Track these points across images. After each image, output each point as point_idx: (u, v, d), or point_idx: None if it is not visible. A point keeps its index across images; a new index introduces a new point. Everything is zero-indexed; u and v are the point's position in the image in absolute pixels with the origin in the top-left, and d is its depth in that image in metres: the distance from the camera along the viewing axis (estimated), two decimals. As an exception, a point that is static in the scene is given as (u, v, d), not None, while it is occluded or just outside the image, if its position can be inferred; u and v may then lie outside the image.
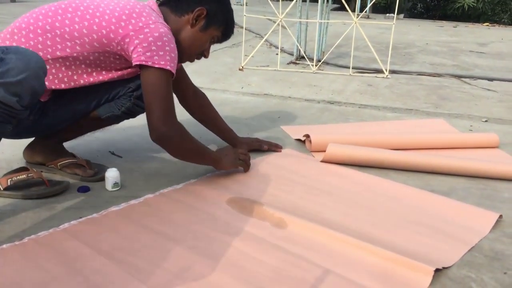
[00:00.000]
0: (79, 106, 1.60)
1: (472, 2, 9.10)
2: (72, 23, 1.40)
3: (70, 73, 1.47)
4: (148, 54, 1.37)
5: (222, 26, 1.56)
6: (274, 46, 4.67)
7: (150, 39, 1.38)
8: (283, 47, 4.48)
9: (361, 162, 1.84)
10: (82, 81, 1.51)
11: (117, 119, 1.68)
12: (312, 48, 4.06)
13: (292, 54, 4.23)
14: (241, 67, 3.71)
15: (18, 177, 1.45)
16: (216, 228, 1.35)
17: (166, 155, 1.86)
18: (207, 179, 1.67)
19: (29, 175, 1.47)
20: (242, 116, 2.47)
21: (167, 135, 1.43)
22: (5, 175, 1.48)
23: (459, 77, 3.70)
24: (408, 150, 2.00)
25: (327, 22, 4.05)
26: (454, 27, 7.22)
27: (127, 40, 1.40)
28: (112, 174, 1.55)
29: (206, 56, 1.61)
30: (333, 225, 1.37)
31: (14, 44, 1.40)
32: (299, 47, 4.04)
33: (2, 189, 1.45)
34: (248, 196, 1.54)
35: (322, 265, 1.19)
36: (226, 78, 3.40)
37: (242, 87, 3.13)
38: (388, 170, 1.83)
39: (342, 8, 5.70)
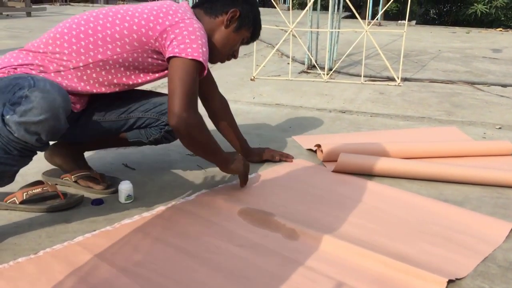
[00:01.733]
0: (110, 127, 1.61)
1: (485, 8, 9.03)
2: (113, 25, 1.47)
3: (110, 76, 1.51)
4: (182, 46, 1.42)
5: (252, 27, 1.63)
6: (286, 56, 4.69)
7: (185, 32, 1.43)
8: (294, 57, 4.49)
9: (373, 171, 1.83)
10: (122, 84, 1.54)
11: (141, 144, 1.72)
12: (324, 57, 4.07)
13: (303, 63, 4.24)
14: (252, 77, 3.73)
15: (33, 191, 1.48)
16: (228, 240, 1.36)
17: (178, 167, 1.88)
18: (219, 190, 1.68)
19: (44, 188, 1.49)
20: (254, 127, 2.48)
21: (187, 122, 1.40)
22: (20, 189, 1.51)
23: (472, 83, 3.67)
24: (420, 158, 1.99)
25: (338, 31, 4.05)
26: (467, 33, 7.17)
27: (164, 35, 1.45)
28: (125, 187, 1.57)
29: (235, 57, 1.68)
30: (344, 235, 1.37)
31: (57, 49, 1.44)
32: (310, 56, 4.05)
33: (17, 202, 1.47)
34: (259, 207, 1.55)
35: (334, 277, 1.19)
36: (237, 88, 3.42)
37: (254, 97, 3.15)
38: (400, 180, 1.82)
39: (353, 16, 5.70)
